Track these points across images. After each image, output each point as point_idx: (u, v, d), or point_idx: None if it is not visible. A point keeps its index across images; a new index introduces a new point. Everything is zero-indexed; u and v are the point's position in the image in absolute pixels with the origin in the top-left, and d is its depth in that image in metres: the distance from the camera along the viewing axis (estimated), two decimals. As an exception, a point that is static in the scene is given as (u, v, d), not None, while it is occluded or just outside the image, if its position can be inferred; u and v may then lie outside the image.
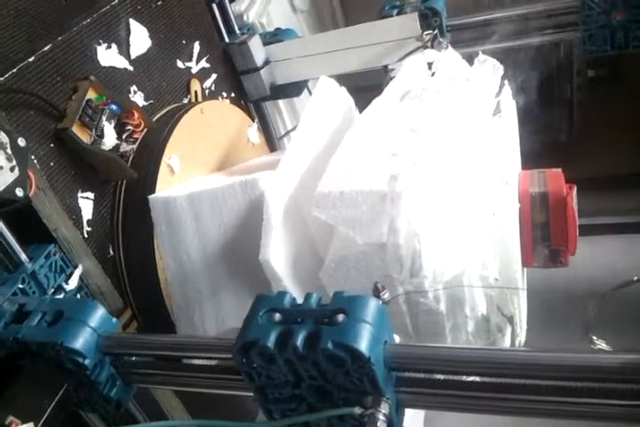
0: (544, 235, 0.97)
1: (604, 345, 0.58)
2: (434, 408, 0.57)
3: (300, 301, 0.87)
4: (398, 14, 1.41)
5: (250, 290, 0.99)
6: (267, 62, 1.44)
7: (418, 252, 0.80)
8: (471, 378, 0.53)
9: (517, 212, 0.94)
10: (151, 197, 1.03)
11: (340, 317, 0.54)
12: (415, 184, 0.81)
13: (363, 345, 0.51)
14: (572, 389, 0.48)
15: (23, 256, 0.83)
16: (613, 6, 1.23)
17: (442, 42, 1.22)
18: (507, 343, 1.01)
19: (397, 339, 0.56)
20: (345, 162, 0.89)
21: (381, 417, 0.52)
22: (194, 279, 1.03)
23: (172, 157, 1.08)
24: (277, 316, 0.56)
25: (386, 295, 0.58)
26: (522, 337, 1.02)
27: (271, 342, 0.54)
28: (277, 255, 0.88)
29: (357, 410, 0.54)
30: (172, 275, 1.04)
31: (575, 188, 0.98)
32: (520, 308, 0.97)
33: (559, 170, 1.02)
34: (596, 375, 0.47)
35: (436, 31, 1.29)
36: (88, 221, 0.98)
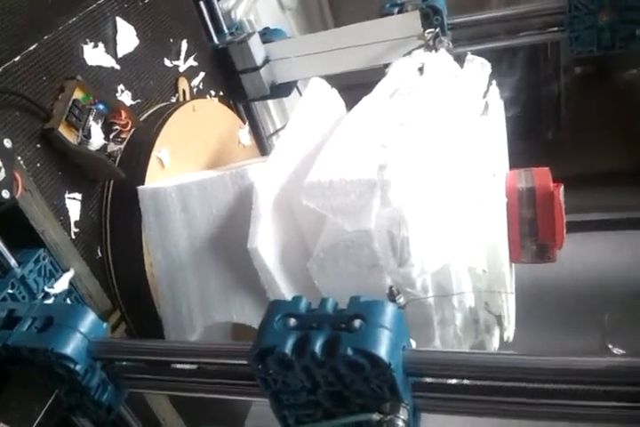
0: (532, 230, 0.97)
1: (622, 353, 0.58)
2: (449, 413, 0.57)
3: (288, 294, 0.88)
4: (399, 12, 1.40)
5: (238, 283, 0.99)
6: (266, 61, 1.43)
7: (406, 239, 0.80)
8: (487, 382, 0.53)
9: (504, 205, 0.94)
10: (140, 187, 1.03)
11: (357, 322, 0.53)
12: (404, 173, 0.82)
13: (383, 351, 0.51)
14: (587, 392, 0.49)
15: (12, 261, 0.82)
16: (600, 8, 1.23)
17: (443, 40, 1.22)
18: (495, 344, 1.02)
19: (414, 344, 0.56)
20: (334, 153, 0.89)
21: (401, 423, 0.52)
22: (182, 272, 1.02)
23: (162, 150, 1.07)
24: (292, 321, 0.56)
25: (401, 300, 0.57)
26: (510, 333, 1.02)
27: (288, 348, 0.53)
28: (266, 244, 0.88)
29: (376, 416, 0.53)
30: (159, 268, 1.04)
31: (562, 186, 0.98)
32: (508, 302, 0.98)
33: (546, 168, 1.03)
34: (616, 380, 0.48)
35: (437, 29, 1.28)
36: (76, 222, 0.97)
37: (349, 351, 0.51)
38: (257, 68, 1.40)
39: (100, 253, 1.02)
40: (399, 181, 0.81)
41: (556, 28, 1.34)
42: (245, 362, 0.57)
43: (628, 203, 1.83)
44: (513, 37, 1.39)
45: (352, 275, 0.84)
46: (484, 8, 1.45)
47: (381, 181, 0.81)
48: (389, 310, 0.54)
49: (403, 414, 0.53)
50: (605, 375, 0.48)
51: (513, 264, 1.04)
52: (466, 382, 0.54)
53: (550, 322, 1.51)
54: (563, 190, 0.97)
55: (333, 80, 1.14)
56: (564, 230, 0.97)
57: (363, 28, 1.37)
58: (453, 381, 0.54)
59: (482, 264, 0.91)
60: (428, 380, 0.55)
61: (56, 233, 0.91)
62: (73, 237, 0.96)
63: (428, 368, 0.55)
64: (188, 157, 1.14)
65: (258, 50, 1.41)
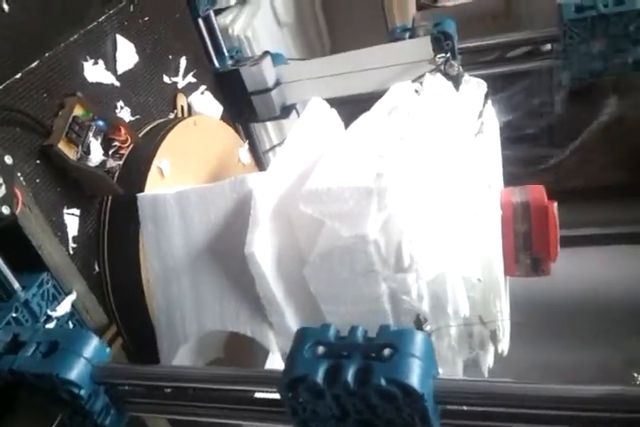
0: (526, 244, 0.99)
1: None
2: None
3: (282, 301, 0.88)
4: (410, 37, 1.43)
5: (233, 291, 0.99)
6: (277, 83, 1.46)
7: (402, 245, 0.81)
8: (514, 410, 0.53)
9: (499, 216, 0.96)
10: (140, 195, 1.03)
11: (387, 351, 0.53)
12: (401, 181, 0.83)
13: (415, 381, 0.51)
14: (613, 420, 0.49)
15: (16, 285, 0.82)
16: (592, 36, 1.26)
17: (453, 64, 1.24)
18: (490, 361, 1.02)
19: (441, 371, 0.57)
20: (332, 163, 0.90)
21: None
22: (177, 279, 1.02)
23: (162, 160, 1.08)
24: (321, 349, 0.56)
25: (428, 327, 0.58)
26: (505, 346, 1.03)
27: (320, 377, 0.54)
28: (263, 249, 0.88)
29: None
30: (155, 275, 1.03)
31: (556, 202, 1.00)
32: (502, 313, 0.98)
33: (540, 186, 1.04)
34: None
35: (448, 54, 1.30)
36: (74, 237, 0.97)
37: (382, 381, 0.51)
38: (268, 90, 1.43)
39: (97, 269, 1.02)
40: (396, 188, 0.82)
41: (548, 56, 1.38)
42: (270, 389, 0.58)
43: (621, 217, 1.85)
44: (508, 64, 1.42)
45: (347, 281, 0.85)
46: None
47: (378, 188, 0.82)
48: (419, 338, 0.55)
49: None
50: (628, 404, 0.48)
51: (507, 278, 1.05)
52: (493, 409, 0.54)
53: (545, 337, 1.52)
54: (556, 206, 0.99)
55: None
56: (558, 243, 0.98)
57: (374, 52, 1.39)
58: (480, 408, 0.55)
59: (477, 273, 0.92)
60: (456, 407, 0.56)
61: (54, 249, 0.91)
62: (71, 252, 0.96)
63: (457, 397, 0.55)
64: (188, 170, 1.15)
65: (269, 72, 1.43)
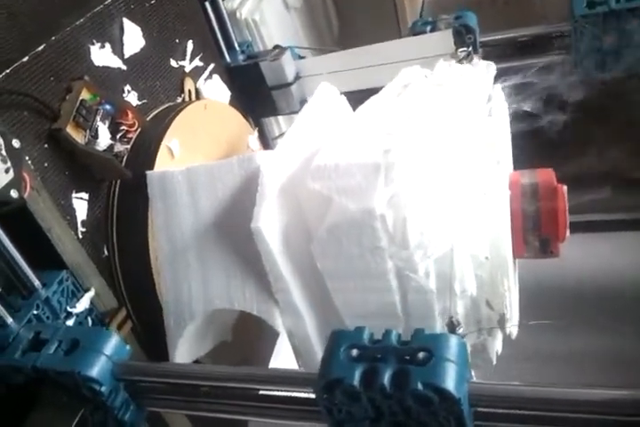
0: (535, 225, 0.97)
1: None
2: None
3: (289, 277, 0.88)
4: (432, 31, 1.43)
5: (240, 268, 0.98)
6: (297, 77, 1.47)
7: (409, 221, 0.80)
8: (546, 413, 0.53)
9: (508, 198, 0.94)
10: (149, 172, 1.03)
11: (422, 355, 0.54)
12: (408, 157, 0.82)
13: (452, 386, 0.52)
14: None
15: (37, 282, 0.84)
16: (605, 32, 1.25)
17: (475, 58, 1.24)
18: (498, 348, 1.02)
19: (474, 376, 0.57)
20: (340, 141, 0.90)
21: None
22: (185, 256, 1.02)
23: (172, 140, 1.08)
24: (355, 352, 0.56)
25: (461, 330, 0.58)
26: (513, 327, 1.03)
27: (356, 380, 0.54)
28: (269, 224, 0.88)
29: None
30: (163, 253, 1.03)
31: (566, 186, 0.99)
32: (510, 294, 0.98)
33: (550, 169, 1.03)
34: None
35: (470, 48, 1.30)
36: (82, 221, 0.98)
37: (419, 386, 0.52)
38: (289, 85, 1.44)
39: (106, 252, 1.03)
40: (403, 164, 0.81)
41: (560, 51, 1.38)
42: (305, 390, 0.59)
43: (629, 204, 1.84)
44: (520, 58, 1.42)
45: (354, 257, 0.84)
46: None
47: (386, 163, 0.81)
48: (454, 342, 0.55)
49: None
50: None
51: (517, 261, 1.04)
52: (527, 412, 0.54)
53: (553, 323, 1.51)
54: (566, 189, 0.98)
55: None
56: (568, 225, 0.98)
57: (395, 45, 1.39)
58: (512, 411, 0.55)
59: (484, 251, 0.91)
60: (489, 410, 0.56)
61: (63, 232, 0.91)
62: (80, 236, 0.97)
63: (492, 400, 0.55)
64: (198, 152, 1.15)
65: (289, 67, 1.44)
